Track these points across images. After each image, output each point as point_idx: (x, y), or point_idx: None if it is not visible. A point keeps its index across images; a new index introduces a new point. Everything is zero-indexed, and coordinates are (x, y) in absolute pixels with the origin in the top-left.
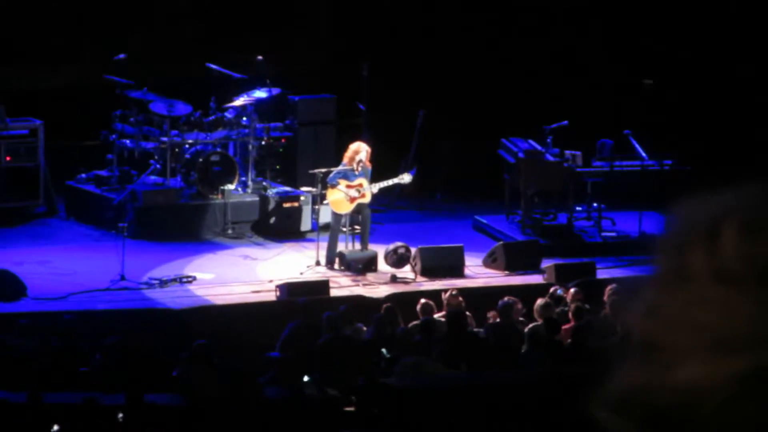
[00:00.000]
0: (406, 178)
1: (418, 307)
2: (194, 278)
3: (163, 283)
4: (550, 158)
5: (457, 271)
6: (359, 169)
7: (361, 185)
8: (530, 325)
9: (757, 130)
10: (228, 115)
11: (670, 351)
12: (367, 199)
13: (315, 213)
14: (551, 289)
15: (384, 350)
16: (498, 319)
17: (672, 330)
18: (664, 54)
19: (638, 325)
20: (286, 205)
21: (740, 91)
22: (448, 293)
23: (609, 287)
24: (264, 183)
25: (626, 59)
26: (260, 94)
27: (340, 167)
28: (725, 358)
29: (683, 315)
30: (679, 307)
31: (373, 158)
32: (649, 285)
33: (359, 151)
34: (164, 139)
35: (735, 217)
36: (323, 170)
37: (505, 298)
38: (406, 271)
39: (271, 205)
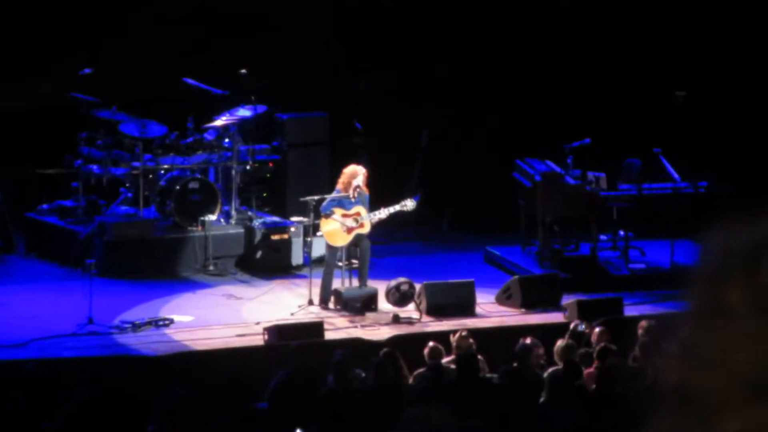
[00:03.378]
0: (409, 204)
1: (425, 350)
2: (171, 321)
3: (136, 326)
4: (571, 181)
5: (468, 310)
6: (356, 195)
7: (358, 214)
8: (550, 369)
9: None
10: (208, 136)
11: (707, 398)
12: (365, 230)
13: (307, 246)
14: (572, 325)
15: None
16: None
17: (709, 372)
18: (699, 62)
19: (672, 369)
20: (275, 237)
21: None
22: (457, 334)
23: (640, 325)
24: (249, 213)
25: (657, 67)
26: (244, 112)
27: (334, 194)
28: None
29: (721, 354)
30: (716, 344)
31: (372, 183)
32: (684, 322)
33: (355, 175)
34: (136, 164)
35: None
36: (316, 197)
37: (523, 340)
38: (410, 311)
39: (258, 238)
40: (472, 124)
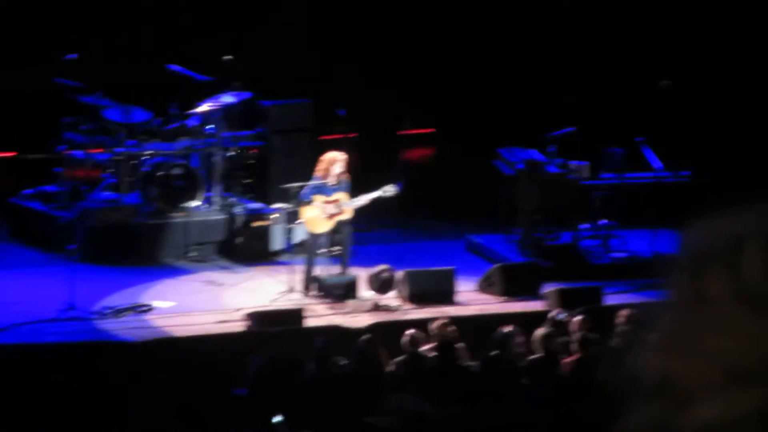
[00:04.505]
0: (389, 190)
1: (405, 338)
2: (152, 307)
3: (117, 312)
4: (553, 170)
5: (448, 298)
6: (336, 182)
7: (339, 200)
8: (530, 358)
9: None
10: (191, 122)
11: (686, 386)
12: (346, 216)
13: (289, 232)
14: (550, 314)
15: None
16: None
17: (689, 361)
18: (684, 50)
19: (651, 358)
20: (256, 223)
21: None
22: (437, 322)
23: (620, 314)
24: (232, 199)
25: (641, 56)
26: (228, 98)
27: (314, 181)
28: (748, 390)
29: (701, 343)
30: (696, 334)
31: (357, 171)
32: (664, 312)
33: (334, 161)
34: (120, 149)
35: (758, 236)
36: (298, 184)
37: (503, 328)
38: (390, 298)
39: (240, 224)
40: (454, 111)
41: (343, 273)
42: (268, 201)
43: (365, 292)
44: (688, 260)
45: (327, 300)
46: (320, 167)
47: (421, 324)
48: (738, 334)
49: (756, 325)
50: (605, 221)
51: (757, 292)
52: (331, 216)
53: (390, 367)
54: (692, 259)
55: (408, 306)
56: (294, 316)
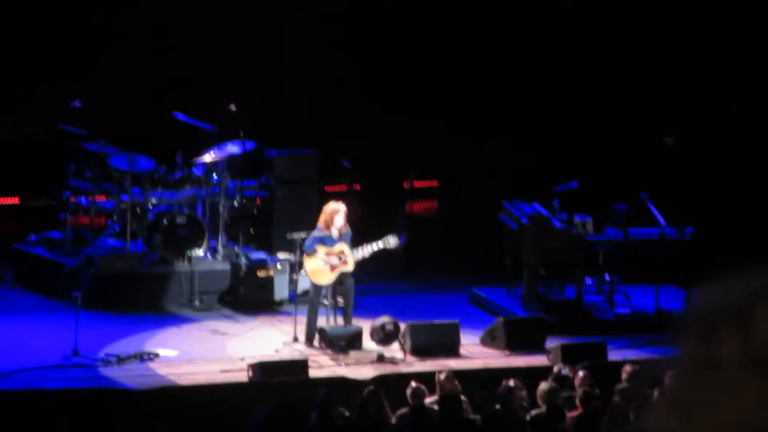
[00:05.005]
0: (391, 241)
1: (408, 390)
2: (157, 355)
3: (121, 359)
4: (557, 224)
5: (452, 351)
6: (338, 234)
7: (342, 252)
8: (533, 412)
9: None
10: (196, 171)
11: None
12: (349, 267)
13: (293, 282)
14: (555, 369)
15: None
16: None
17: (697, 424)
18: (689, 107)
19: (659, 420)
20: (260, 273)
21: None
22: (441, 375)
23: (624, 369)
24: (236, 249)
25: (645, 112)
26: (233, 148)
27: (316, 232)
28: None
29: (710, 407)
30: (705, 398)
31: (360, 222)
32: (672, 374)
33: (336, 212)
34: (124, 197)
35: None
36: (303, 234)
37: (507, 382)
38: (394, 350)
39: (243, 274)
40: (459, 164)
41: (346, 324)
42: (272, 251)
43: (369, 344)
44: (698, 321)
45: (330, 351)
46: (322, 218)
47: (424, 377)
48: (747, 401)
49: (763, 389)
50: (609, 276)
51: (765, 356)
52: (334, 267)
53: (393, 420)
54: (702, 321)
55: (411, 358)
56: (298, 366)
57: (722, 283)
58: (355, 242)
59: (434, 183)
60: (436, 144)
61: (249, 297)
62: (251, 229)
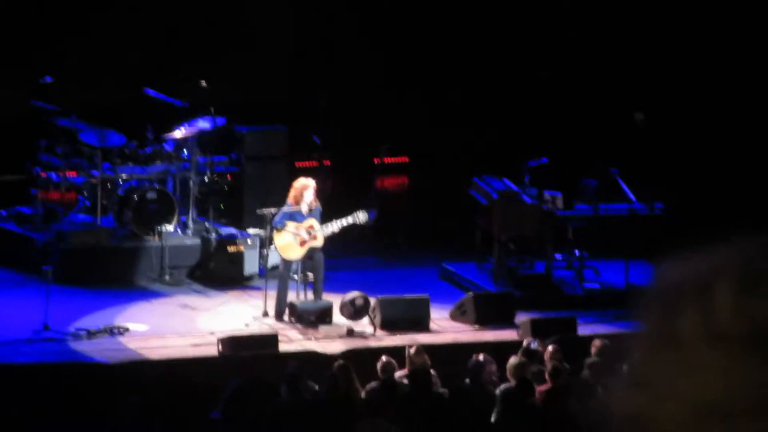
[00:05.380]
0: (361, 216)
1: (378, 365)
2: (127, 329)
3: (91, 334)
4: (528, 200)
5: (422, 325)
6: (308, 209)
7: (311, 227)
8: (502, 386)
9: (761, 175)
10: (167, 147)
11: (656, 426)
12: (319, 242)
13: (263, 258)
14: (525, 342)
15: None
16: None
17: (660, 402)
18: (659, 83)
19: (623, 396)
20: (231, 248)
21: (747, 130)
22: (411, 349)
23: (593, 344)
24: (206, 224)
25: (616, 88)
26: (203, 124)
27: (285, 208)
28: (717, 431)
29: (672, 383)
30: (668, 375)
31: (331, 198)
32: (635, 350)
33: (305, 188)
34: (95, 172)
35: (729, 274)
36: (273, 210)
37: (476, 357)
38: (364, 325)
39: (214, 249)
40: (430, 140)
41: (316, 299)
42: (242, 226)
43: (339, 319)
44: (660, 298)
45: (300, 326)
46: (291, 194)
47: (394, 351)
48: (709, 376)
49: (726, 367)
50: (579, 252)
51: (727, 333)
52: (303, 242)
53: (363, 394)
54: (664, 298)
55: (381, 333)
56: (268, 341)
57: (683, 259)
58: (326, 218)
59: (405, 159)
60: (408, 119)
61: (219, 272)
62: (221, 205)
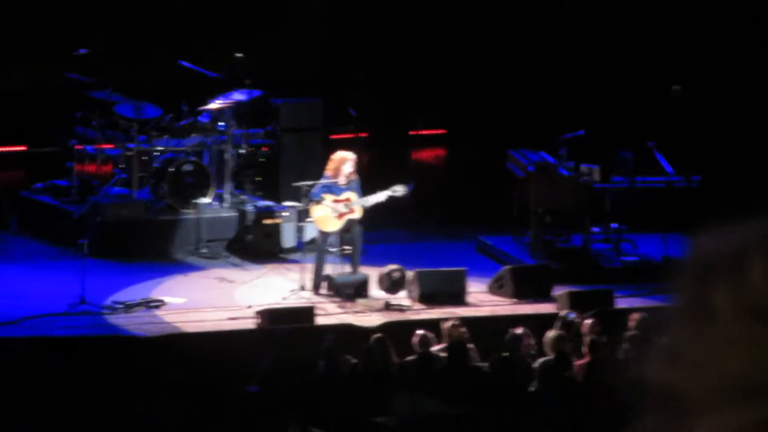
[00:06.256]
0: (399, 190)
1: (415, 338)
2: (163, 302)
3: (128, 307)
4: (564, 173)
5: (459, 298)
6: (346, 181)
7: (349, 200)
8: (540, 360)
9: None
10: (202, 119)
11: (690, 399)
12: (356, 215)
13: (300, 231)
14: (561, 314)
15: None
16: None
17: (695, 376)
18: (697, 55)
19: (656, 369)
20: (267, 221)
21: None
22: (448, 323)
23: (631, 317)
24: (242, 197)
25: (654, 61)
26: (239, 96)
27: (323, 180)
28: (753, 405)
29: (707, 358)
30: (702, 349)
31: (367, 170)
32: (670, 324)
33: (344, 161)
34: (131, 145)
35: (763, 248)
36: (309, 183)
37: (514, 330)
38: (401, 298)
39: (250, 222)
40: (467, 113)
41: (353, 272)
42: (279, 199)
43: (376, 292)
44: (694, 271)
45: (337, 299)
46: (330, 166)
47: (431, 324)
48: (743, 349)
49: (760, 340)
50: (616, 225)
51: (760, 307)
52: (341, 215)
53: (399, 367)
54: (698, 270)
55: (419, 306)
56: (305, 314)
57: (717, 231)
58: (363, 191)
59: (442, 131)
60: (444, 92)
61: (256, 245)
62: (257, 177)
